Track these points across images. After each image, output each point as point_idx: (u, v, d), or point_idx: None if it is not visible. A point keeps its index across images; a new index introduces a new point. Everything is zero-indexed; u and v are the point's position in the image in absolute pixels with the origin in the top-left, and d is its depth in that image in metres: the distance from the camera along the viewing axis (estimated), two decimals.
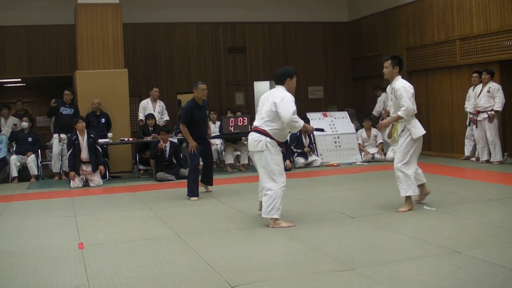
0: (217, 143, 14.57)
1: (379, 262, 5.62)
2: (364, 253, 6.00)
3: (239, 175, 13.16)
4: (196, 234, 7.22)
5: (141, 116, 14.71)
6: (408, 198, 8.07)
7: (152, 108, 14.77)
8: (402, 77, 8.24)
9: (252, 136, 7.54)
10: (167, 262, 5.95)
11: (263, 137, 7.41)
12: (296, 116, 7.29)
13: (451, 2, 14.67)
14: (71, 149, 12.18)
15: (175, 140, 13.31)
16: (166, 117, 15.03)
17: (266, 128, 7.42)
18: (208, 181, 10.76)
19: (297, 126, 7.34)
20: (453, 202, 8.64)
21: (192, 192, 10.11)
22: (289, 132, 7.82)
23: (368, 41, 18.57)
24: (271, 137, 7.40)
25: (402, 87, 7.97)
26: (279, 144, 7.51)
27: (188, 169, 10.50)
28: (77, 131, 12.28)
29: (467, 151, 13.89)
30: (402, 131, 8.14)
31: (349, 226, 7.34)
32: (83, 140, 12.28)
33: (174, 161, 12.99)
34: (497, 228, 6.85)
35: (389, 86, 8.37)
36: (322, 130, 9.54)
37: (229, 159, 13.95)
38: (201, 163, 10.68)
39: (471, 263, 5.48)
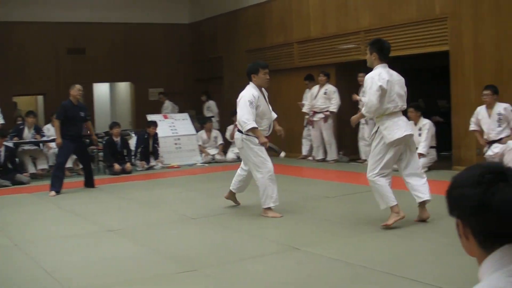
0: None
1: (222, 262, 5.65)
2: (206, 254, 6.01)
3: (80, 179, 12.74)
4: (34, 242, 6.93)
5: None
6: (393, 207, 6.68)
7: None
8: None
9: (235, 136, 7.97)
10: (3, 272, 5.68)
11: (239, 135, 7.75)
12: (245, 118, 7.58)
13: (290, 6, 15.05)
14: None
15: (10, 144, 12.74)
16: (1, 120, 14.28)
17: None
18: (89, 184, 11.18)
19: (244, 126, 7.61)
20: (292, 200, 8.83)
21: (53, 186, 10.46)
22: (269, 128, 8.08)
23: (209, 43, 18.68)
24: (247, 134, 7.65)
25: (369, 77, 6.72)
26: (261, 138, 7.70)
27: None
28: None
29: (305, 151, 14.35)
30: (375, 133, 6.92)
31: (191, 227, 7.34)
32: None
33: (9, 166, 12.42)
34: (334, 224, 7.08)
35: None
36: (277, 152, 8.56)
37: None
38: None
39: (310, 259, 5.62)
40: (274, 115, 8.25)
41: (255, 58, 16.11)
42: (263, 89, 7.99)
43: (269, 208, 7.65)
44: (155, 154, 14.26)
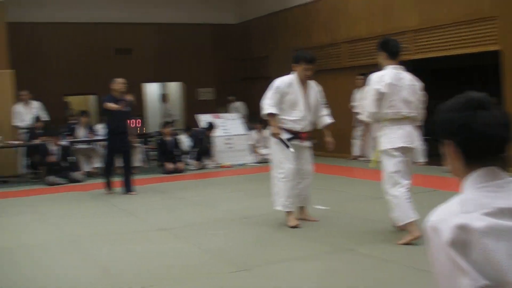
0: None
1: (272, 262, 5.72)
2: (257, 254, 6.10)
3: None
4: (88, 238, 7.16)
5: (15, 122, 13.98)
6: (409, 224, 6.16)
7: (24, 111, 14.13)
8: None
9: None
10: (60, 267, 5.88)
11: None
12: (265, 102, 7.32)
13: (337, 7, 15.09)
14: None
15: (65, 143, 13.07)
16: (45, 117, 14.54)
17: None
18: (126, 187, 10.70)
19: (262, 111, 7.36)
20: (343, 200, 8.89)
21: (105, 188, 10.63)
22: (306, 123, 7.37)
23: (257, 42, 18.82)
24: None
25: (370, 80, 6.45)
26: (293, 133, 7.32)
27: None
28: None
29: (355, 151, 14.33)
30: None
31: (241, 227, 7.43)
32: None
33: (64, 164, 12.75)
34: (386, 225, 7.09)
35: None
36: (287, 146, 7.40)
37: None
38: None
39: (363, 260, 5.67)
40: (326, 120, 7.66)
41: None
42: (312, 83, 7.54)
43: (289, 213, 7.31)
44: (209, 154, 14.47)
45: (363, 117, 6.56)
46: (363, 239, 6.50)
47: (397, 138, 6.21)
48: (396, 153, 6.20)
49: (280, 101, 7.28)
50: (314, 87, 7.54)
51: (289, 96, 7.29)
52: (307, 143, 7.46)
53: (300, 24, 16.59)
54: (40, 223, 8.42)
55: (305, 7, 16.33)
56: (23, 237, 7.50)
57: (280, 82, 7.34)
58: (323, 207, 8.30)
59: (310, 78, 7.43)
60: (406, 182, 6.21)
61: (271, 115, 7.26)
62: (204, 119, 15.29)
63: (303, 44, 16.27)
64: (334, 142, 7.62)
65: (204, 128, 14.65)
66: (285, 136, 7.28)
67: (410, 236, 6.07)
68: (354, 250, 6.01)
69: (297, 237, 6.76)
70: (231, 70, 19.73)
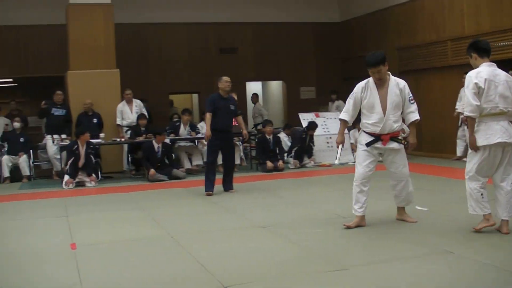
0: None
1: (370, 262, 5.64)
2: (355, 253, 6.03)
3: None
4: (188, 234, 7.24)
5: (118, 120, 14.39)
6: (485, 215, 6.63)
7: (128, 110, 14.49)
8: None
9: None
10: (159, 263, 5.96)
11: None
12: (344, 108, 7.48)
13: (442, 3, 14.73)
14: (72, 158, 12.20)
15: (167, 140, 13.32)
16: (147, 116, 14.81)
17: None
18: (226, 185, 10.78)
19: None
20: (445, 202, 8.67)
21: (206, 187, 10.45)
22: (384, 125, 7.11)
23: (359, 41, 18.63)
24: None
25: (468, 76, 6.50)
26: (372, 135, 7.22)
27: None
28: (79, 141, 12.28)
29: (459, 152, 13.94)
30: None
31: (340, 226, 7.31)
32: (82, 149, 12.31)
33: (166, 161, 12.99)
34: (488, 228, 6.87)
35: None
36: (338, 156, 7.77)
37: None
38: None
39: (462, 263, 5.51)
40: (411, 117, 7.32)
41: (406, 57, 16.00)
42: (393, 82, 7.25)
43: (359, 217, 7.25)
44: (309, 153, 14.41)
45: (467, 112, 6.45)
46: (462, 241, 6.33)
47: (493, 134, 6.34)
48: (486, 151, 6.43)
49: (357, 106, 7.29)
50: (395, 86, 7.26)
51: (366, 100, 7.21)
52: (394, 145, 7.21)
53: (403, 22, 16.30)
54: (141, 219, 8.60)
55: (409, 5, 16.01)
56: (124, 232, 7.69)
57: (357, 87, 7.32)
58: (423, 208, 8.14)
59: (379, 80, 7.19)
60: (485, 179, 6.56)
61: (341, 120, 7.42)
62: (305, 117, 15.25)
63: (407, 43, 16.00)
64: (415, 143, 7.33)
65: (305, 127, 14.61)
66: (366, 139, 7.23)
67: (484, 223, 6.58)
68: (453, 252, 5.84)
69: (395, 238, 6.64)
70: (332, 69, 19.60)
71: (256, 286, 5.05)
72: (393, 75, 7.37)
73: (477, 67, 6.54)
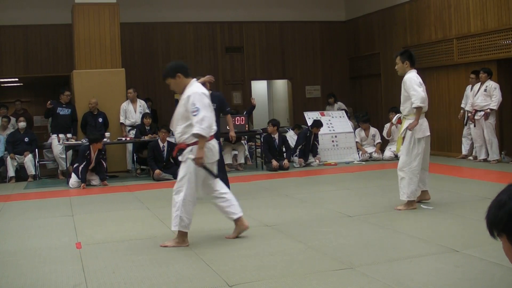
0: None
1: (377, 261, 5.62)
2: (362, 252, 6.00)
3: (236, 175, 13.14)
4: (194, 233, 7.22)
5: (122, 119, 14.40)
6: (409, 201, 7.97)
7: (132, 109, 14.50)
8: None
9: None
10: (165, 261, 5.95)
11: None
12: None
13: (448, 1, 14.69)
14: (84, 163, 12.17)
15: (173, 140, 13.30)
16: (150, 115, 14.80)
17: None
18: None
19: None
20: (450, 201, 8.65)
21: None
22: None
23: (365, 40, 18.59)
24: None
25: (408, 77, 7.92)
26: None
27: None
28: (92, 147, 12.28)
29: (465, 150, 13.91)
30: (405, 130, 8.01)
31: (347, 225, 7.33)
32: (94, 155, 12.31)
33: (172, 160, 12.98)
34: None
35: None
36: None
37: (227, 159, 13.93)
38: None
39: (468, 261, 5.49)
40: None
41: None
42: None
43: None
44: (314, 151, 14.40)
45: (415, 103, 7.76)
46: (469, 240, 6.32)
47: (426, 128, 7.86)
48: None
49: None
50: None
51: None
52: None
53: (409, 21, 16.25)
54: (147, 218, 8.60)
55: (415, 3, 15.97)
56: (129, 232, 7.66)
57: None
58: (428, 207, 8.15)
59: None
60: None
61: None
62: (310, 116, 15.24)
63: (413, 41, 15.95)
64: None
65: (310, 125, 14.59)
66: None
67: (409, 206, 7.96)
68: (461, 251, 5.82)
69: (402, 237, 6.64)
70: (339, 68, 19.57)
71: (262, 285, 5.03)
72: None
73: (404, 72, 7.99)
